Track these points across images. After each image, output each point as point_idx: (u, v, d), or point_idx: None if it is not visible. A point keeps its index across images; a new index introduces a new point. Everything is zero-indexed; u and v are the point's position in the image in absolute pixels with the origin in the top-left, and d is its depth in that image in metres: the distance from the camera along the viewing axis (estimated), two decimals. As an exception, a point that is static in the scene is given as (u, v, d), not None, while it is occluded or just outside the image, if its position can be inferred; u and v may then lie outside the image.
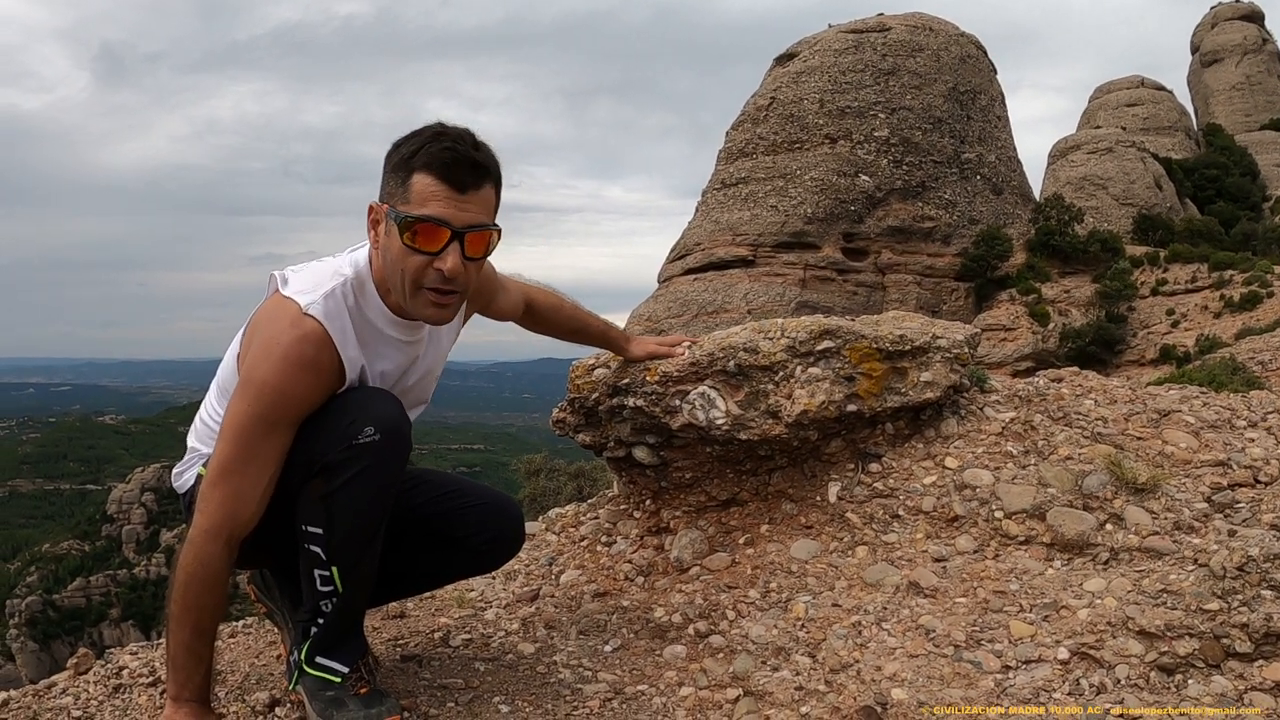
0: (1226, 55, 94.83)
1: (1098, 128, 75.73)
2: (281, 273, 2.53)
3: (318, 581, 2.47)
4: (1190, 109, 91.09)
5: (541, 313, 3.14)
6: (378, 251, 2.44)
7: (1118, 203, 62.62)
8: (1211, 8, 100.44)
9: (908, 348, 3.38)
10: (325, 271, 2.48)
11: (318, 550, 2.42)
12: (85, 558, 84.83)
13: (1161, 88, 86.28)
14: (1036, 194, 61.14)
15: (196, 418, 2.70)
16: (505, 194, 2.45)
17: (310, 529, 2.41)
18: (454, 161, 2.31)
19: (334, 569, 2.44)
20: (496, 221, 2.43)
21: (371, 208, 2.42)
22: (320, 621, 2.54)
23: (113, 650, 3.30)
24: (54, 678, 3.12)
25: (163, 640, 3.41)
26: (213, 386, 2.64)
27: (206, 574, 2.35)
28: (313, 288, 2.42)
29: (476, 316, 2.91)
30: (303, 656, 2.56)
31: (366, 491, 2.37)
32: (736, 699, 2.69)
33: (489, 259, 2.54)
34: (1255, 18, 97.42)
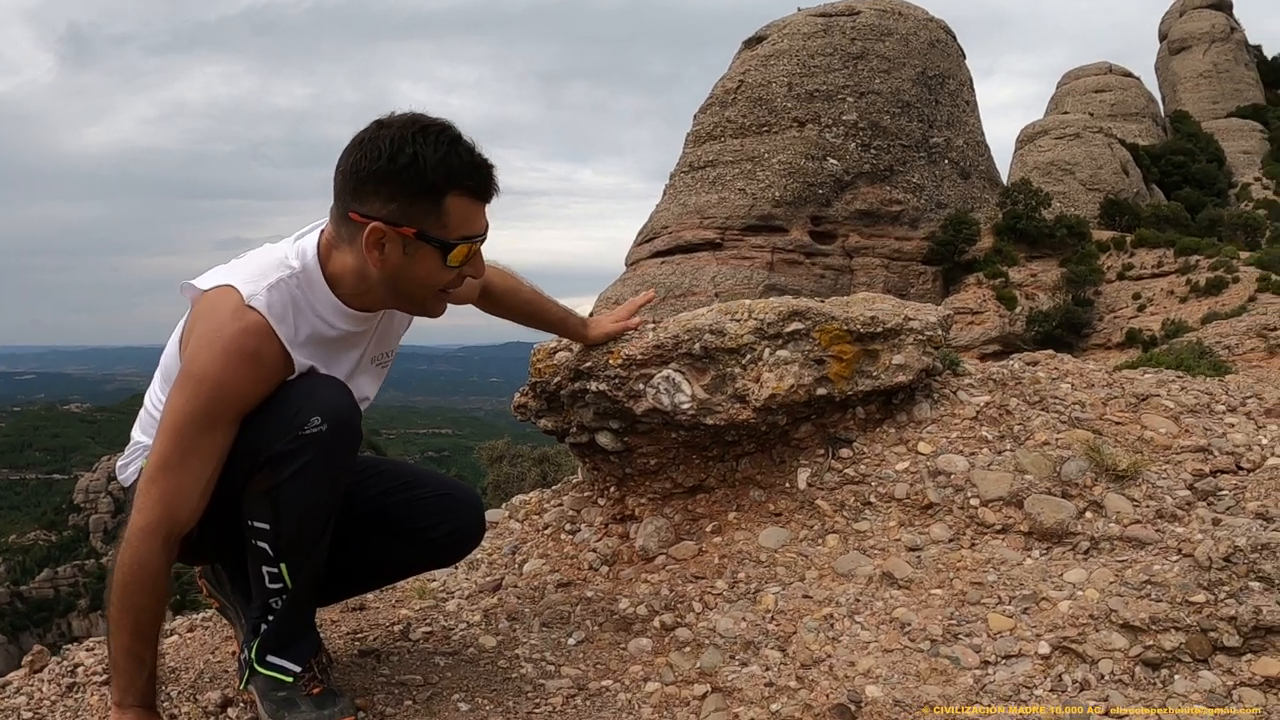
0: (1194, 43, 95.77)
1: (1066, 113, 76.33)
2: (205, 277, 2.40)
3: (266, 579, 2.36)
4: (1158, 96, 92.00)
5: (498, 295, 3.02)
6: (379, 271, 2.29)
7: (1085, 188, 63.12)
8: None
9: (879, 330, 3.29)
10: (270, 262, 2.34)
11: (265, 546, 2.30)
12: (52, 548, 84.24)
13: (1129, 74, 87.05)
14: (1004, 179, 61.48)
15: (142, 408, 2.57)
16: None
17: (257, 524, 2.29)
18: (486, 180, 2.27)
19: (282, 565, 2.32)
20: None
21: (378, 229, 2.23)
22: (270, 619, 2.42)
23: (69, 647, 3.18)
24: (9, 675, 3.00)
25: None
26: (157, 374, 2.51)
27: (144, 574, 2.22)
28: (257, 277, 2.28)
29: None
30: (253, 655, 2.45)
31: (315, 484, 2.26)
32: (704, 695, 2.60)
33: None
34: (1223, 6, 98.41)
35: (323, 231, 2.37)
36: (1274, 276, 44.70)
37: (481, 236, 2.30)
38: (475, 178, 2.23)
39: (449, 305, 2.74)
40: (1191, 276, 47.89)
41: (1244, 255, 49.26)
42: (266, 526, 2.28)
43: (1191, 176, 75.78)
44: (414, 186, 2.19)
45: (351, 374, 2.48)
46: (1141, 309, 47.89)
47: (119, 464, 2.62)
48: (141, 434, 2.52)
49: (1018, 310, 48.36)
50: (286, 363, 2.29)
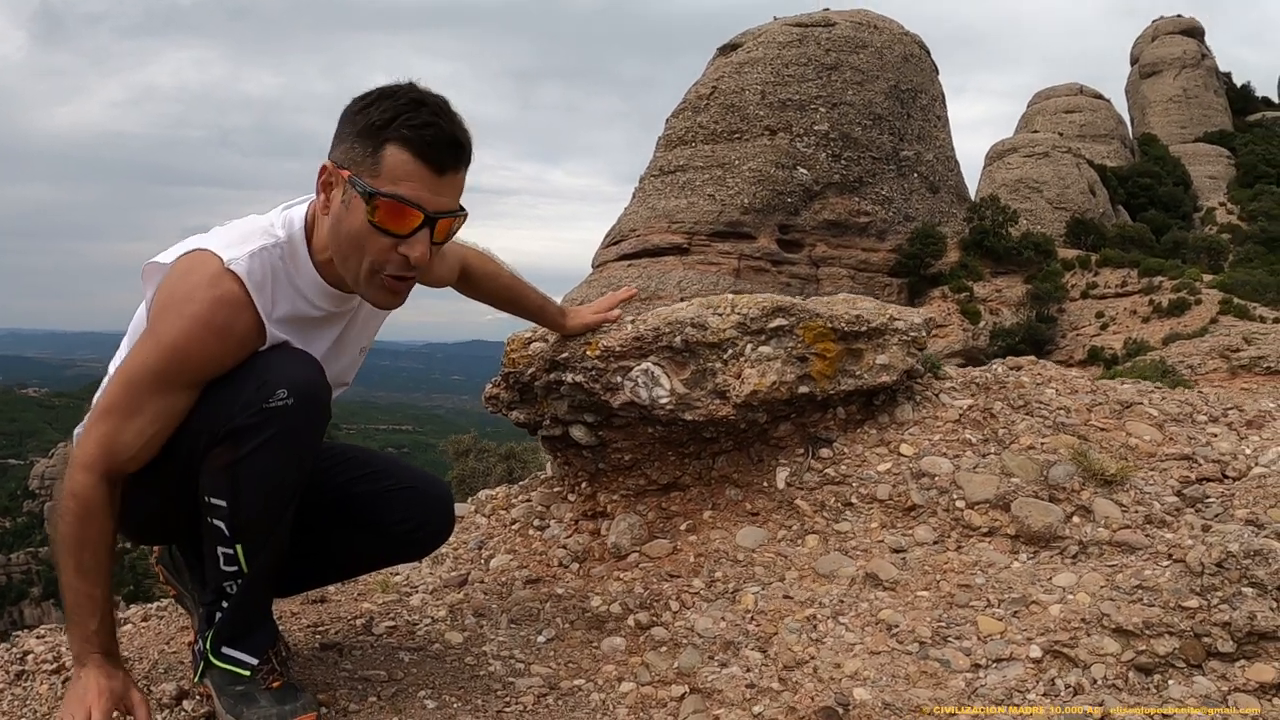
0: (1165, 68, 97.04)
1: (1035, 132, 77.02)
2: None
3: (221, 560, 2.23)
4: (1127, 118, 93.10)
5: (477, 279, 2.92)
6: (325, 218, 2.19)
7: (1052, 206, 63.78)
8: (1153, 21, 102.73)
9: (864, 329, 3.24)
10: (254, 229, 2.24)
11: (221, 526, 2.18)
12: (5, 534, 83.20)
13: (1100, 96, 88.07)
14: (973, 194, 61.99)
15: (106, 375, 2.45)
16: None
17: (213, 501, 2.17)
18: (435, 141, 2.08)
19: (238, 547, 2.20)
20: (462, 202, 2.21)
21: (325, 168, 2.16)
22: (225, 606, 2.30)
23: (18, 634, 3.08)
24: (-42, 662, 2.89)
25: None
26: (124, 340, 2.39)
27: (80, 506, 2.11)
28: (239, 243, 2.18)
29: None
30: (208, 646, 2.32)
31: (276, 461, 2.14)
32: (682, 697, 2.52)
33: None
34: (1195, 33, 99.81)
35: (312, 203, 2.27)
36: (1236, 300, 45.27)
37: (418, 206, 2.10)
38: (420, 131, 2.07)
39: (426, 286, 2.62)
40: (1155, 297, 48.46)
41: (1207, 278, 49.90)
42: (224, 504, 2.16)
43: (1158, 199, 76.71)
44: (359, 125, 2.10)
45: (327, 354, 2.37)
46: (1104, 327, 48.42)
47: (77, 431, 2.51)
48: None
49: (982, 325, 48.81)
50: (259, 335, 2.19)
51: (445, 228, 2.18)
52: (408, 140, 2.06)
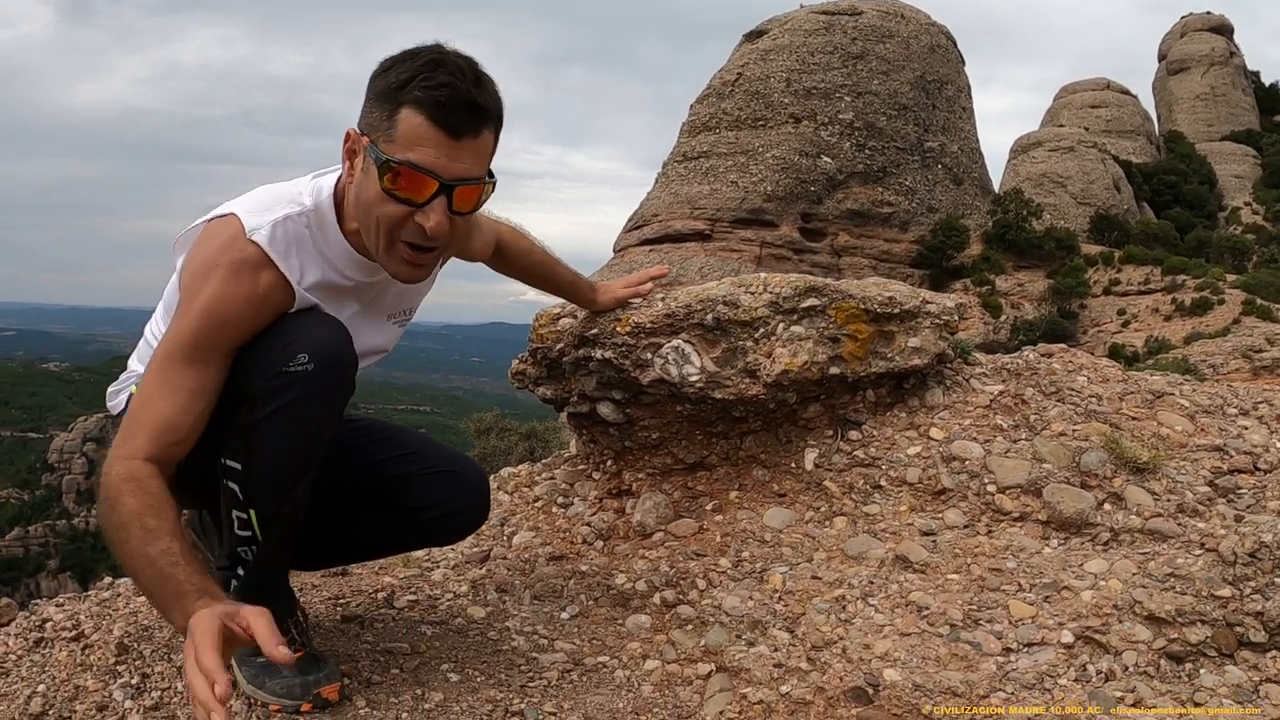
0: (1193, 65, 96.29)
1: (1061, 126, 76.52)
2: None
3: (235, 524, 2.20)
4: (1154, 115, 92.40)
5: (510, 255, 2.88)
6: (350, 186, 2.15)
7: (1076, 201, 63.43)
8: (1182, 17, 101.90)
9: (897, 311, 3.21)
10: (281, 196, 2.20)
11: (235, 488, 2.15)
12: (24, 507, 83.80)
13: (1127, 92, 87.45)
14: (997, 187, 61.70)
15: (142, 338, 2.43)
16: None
17: (229, 463, 2.14)
18: (450, 102, 1.98)
19: (250, 512, 2.16)
20: (492, 169, 2.13)
21: (349, 135, 2.11)
22: (241, 573, 2.27)
23: (38, 602, 3.07)
24: (-27, 631, 2.89)
25: (91, 592, 3.16)
26: (159, 305, 2.37)
27: (132, 484, 1.97)
28: (264, 209, 2.15)
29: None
30: None
31: (292, 427, 2.10)
32: (709, 675, 2.51)
33: None
34: (1224, 30, 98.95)
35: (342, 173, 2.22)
36: (1260, 301, 44.99)
37: (431, 173, 2.02)
38: (434, 92, 1.98)
39: (461, 259, 2.58)
40: (1177, 295, 48.20)
41: (1230, 278, 49.58)
42: (238, 466, 2.13)
43: (1182, 197, 76.20)
44: (379, 89, 2.04)
45: (357, 321, 2.32)
46: (1126, 325, 48.21)
47: (110, 390, 2.46)
48: (138, 362, 2.39)
49: (1002, 318, 48.63)
50: (286, 296, 2.15)
51: (465, 196, 2.09)
52: (421, 103, 1.98)
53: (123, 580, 3.25)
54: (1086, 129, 75.33)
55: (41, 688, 2.45)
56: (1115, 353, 43.47)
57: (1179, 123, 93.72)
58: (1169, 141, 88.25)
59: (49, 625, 2.80)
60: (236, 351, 2.12)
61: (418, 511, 2.50)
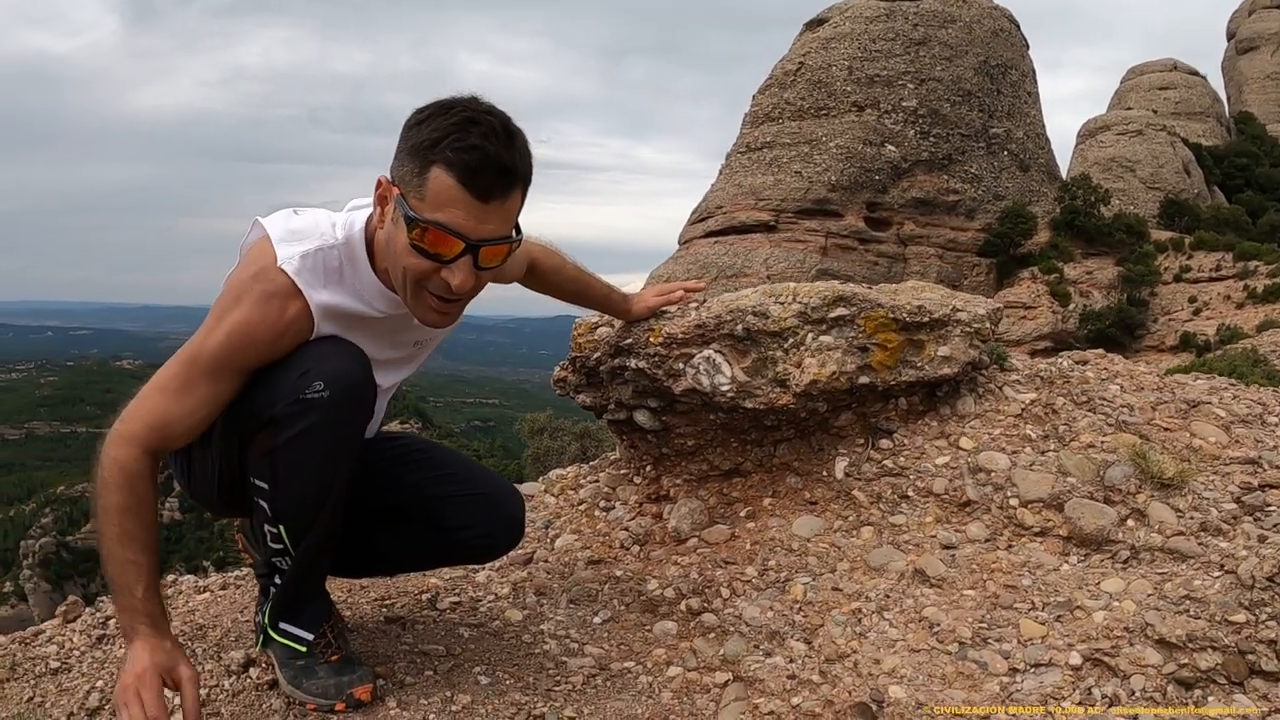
0: (1263, 43, 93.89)
1: (1129, 109, 75.12)
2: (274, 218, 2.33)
3: (268, 538, 2.34)
4: (1223, 96, 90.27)
5: (543, 273, 2.97)
6: (381, 231, 2.22)
7: (1145, 186, 62.27)
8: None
9: (926, 319, 3.22)
10: (315, 228, 2.28)
11: (264, 505, 2.28)
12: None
13: (1195, 72, 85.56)
14: (1064, 173, 60.76)
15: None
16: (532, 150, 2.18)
17: (258, 483, 2.26)
18: (480, 166, 2.04)
19: (280, 528, 2.30)
20: (519, 223, 2.20)
21: (381, 182, 2.18)
22: (278, 581, 2.43)
23: (103, 599, 3.20)
24: (43, 624, 3.03)
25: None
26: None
27: (125, 477, 2.12)
28: (297, 239, 2.24)
29: None
30: (266, 620, 2.45)
31: (312, 451, 2.20)
32: (725, 684, 2.57)
33: None
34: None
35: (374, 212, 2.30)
36: (1335, 286, 43.94)
37: (459, 234, 2.08)
38: (466, 155, 2.03)
39: (494, 283, 2.65)
40: (1249, 282, 47.19)
41: (1305, 263, 48.43)
42: (266, 487, 2.25)
43: (1254, 180, 74.47)
44: (411, 142, 2.10)
45: (378, 349, 2.41)
46: (1197, 313, 47.31)
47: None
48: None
49: (1071, 307, 47.94)
50: (310, 325, 2.25)
51: (491, 255, 2.15)
52: (452, 164, 2.04)
53: (186, 579, 3.38)
54: (1155, 111, 73.87)
55: (100, 684, 2.57)
56: (1187, 341, 42.78)
57: (1249, 103, 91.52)
58: (1239, 123, 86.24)
59: (111, 623, 2.92)
60: (254, 373, 2.23)
61: (451, 532, 2.59)
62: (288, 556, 2.35)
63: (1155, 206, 60.14)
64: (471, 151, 2.03)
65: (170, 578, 3.38)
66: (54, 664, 2.71)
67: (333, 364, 2.21)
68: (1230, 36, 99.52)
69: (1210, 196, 67.21)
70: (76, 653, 2.78)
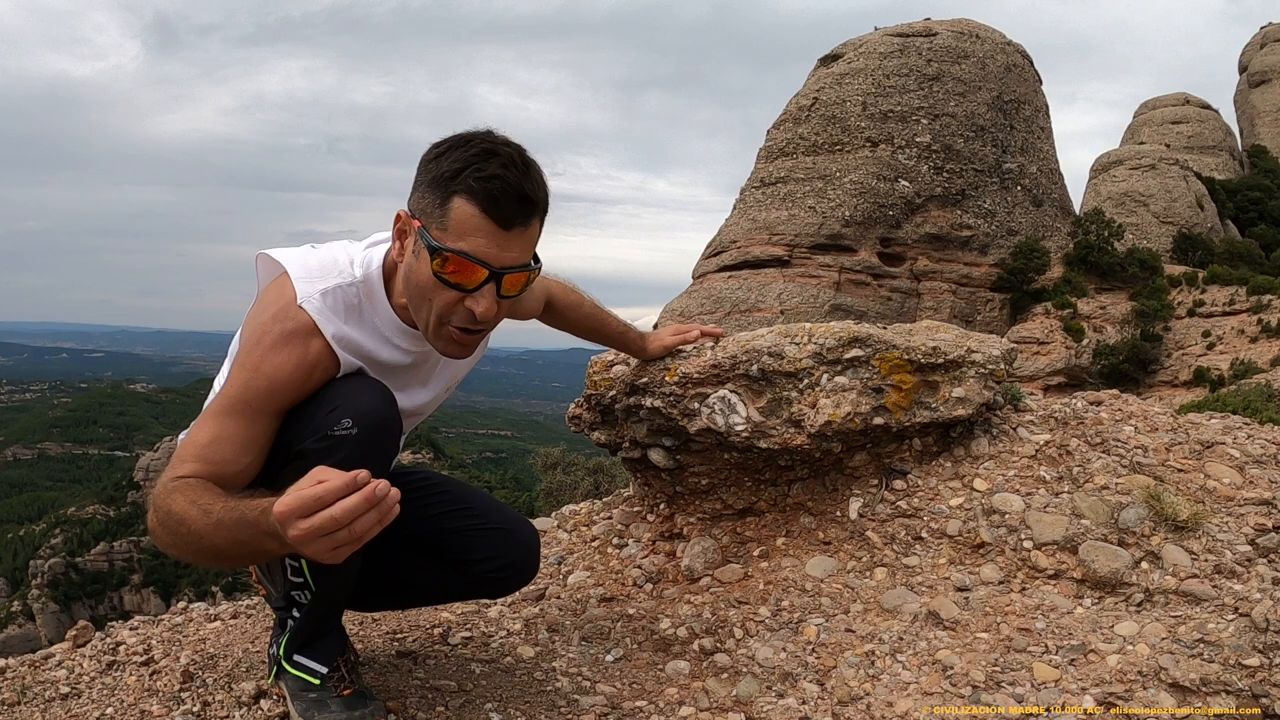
0: (1275, 77, 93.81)
1: (1141, 144, 75.09)
2: (287, 253, 2.36)
3: (288, 571, 2.35)
4: (1235, 129, 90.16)
5: (560, 310, 3.00)
6: (401, 265, 2.25)
7: (1158, 220, 62.12)
8: (1261, 28, 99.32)
9: (940, 361, 3.23)
10: (333, 266, 2.31)
11: None
12: (110, 523, 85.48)
13: (1207, 106, 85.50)
14: (1078, 208, 60.72)
15: (212, 389, 2.57)
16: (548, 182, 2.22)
17: None
18: (502, 194, 2.07)
19: (302, 562, 2.30)
20: (537, 252, 2.23)
21: (400, 216, 2.22)
22: (296, 615, 2.43)
23: (113, 624, 3.21)
24: (53, 648, 3.03)
25: (165, 616, 3.31)
26: (233, 342, 2.51)
27: (183, 487, 2.00)
28: (316, 277, 2.27)
29: None
30: (281, 652, 2.46)
31: None
32: (737, 724, 2.56)
33: None
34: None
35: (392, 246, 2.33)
36: (1351, 322, 43.74)
37: (483, 263, 2.11)
38: (487, 184, 2.07)
39: (512, 319, 2.67)
40: (1263, 316, 46.95)
41: (1320, 298, 48.21)
42: None
43: (1268, 213, 74.21)
44: (431, 175, 2.13)
45: (403, 387, 2.43)
46: (1211, 347, 47.07)
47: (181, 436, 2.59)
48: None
49: (1085, 342, 47.76)
50: (334, 362, 2.26)
51: (513, 282, 2.18)
52: (474, 193, 2.08)
53: (197, 606, 3.39)
54: (1168, 145, 73.77)
55: (110, 710, 2.56)
56: (1200, 376, 42.57)
57: (1261, 136, 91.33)
58: (1252, 156, 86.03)
59: (122, 649, 2.94)
60: (286, 411, 2.24)
61: (469, 565, 2.60)
62: (307, 590, 2.36)
63: (1169, 241, 59.98)
64: (492, 180, 2.07)
65: (181, 605, 3.39)
66: (64, 689, 2.70)
67: (361, 401, 2.22)
68: (1242, 70, 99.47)
69: (1224, 230, 67.00)
70: (86, 678, 2.78)
